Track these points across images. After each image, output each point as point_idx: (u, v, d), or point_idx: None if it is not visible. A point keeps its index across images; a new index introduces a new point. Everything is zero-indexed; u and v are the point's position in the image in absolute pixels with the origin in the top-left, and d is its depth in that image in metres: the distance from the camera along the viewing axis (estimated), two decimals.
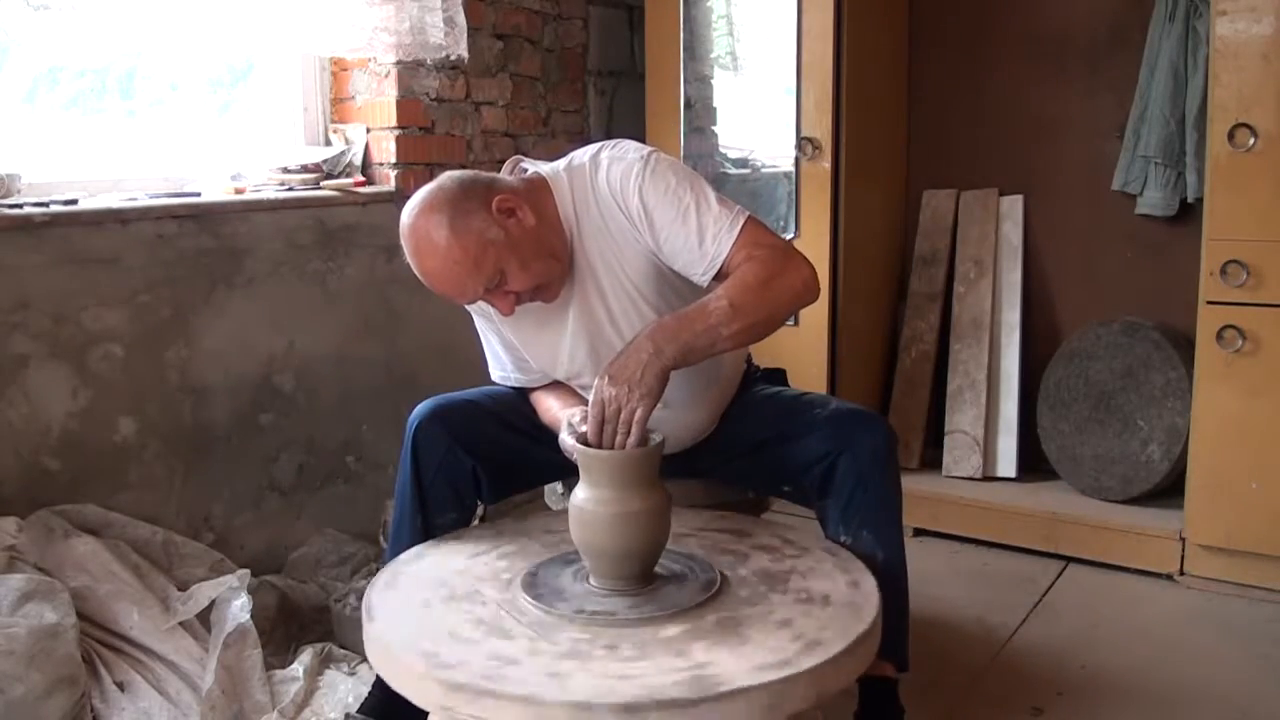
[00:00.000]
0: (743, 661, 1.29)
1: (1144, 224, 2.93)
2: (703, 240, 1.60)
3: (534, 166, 1.77)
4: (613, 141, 1.72)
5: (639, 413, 1.47)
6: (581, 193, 1.69)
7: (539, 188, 1.70)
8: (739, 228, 1.60)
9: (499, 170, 1.78)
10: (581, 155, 1.72)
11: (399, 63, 2.66)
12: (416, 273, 1.62)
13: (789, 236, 2.94)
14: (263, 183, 2.59)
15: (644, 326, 1.57)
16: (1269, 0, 2.33)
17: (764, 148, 3.15)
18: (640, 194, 1.63)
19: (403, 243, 1.62)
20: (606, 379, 1.49)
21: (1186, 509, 2.56)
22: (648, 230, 1.64)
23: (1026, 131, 3.08)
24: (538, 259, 1.64)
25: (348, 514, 2.63)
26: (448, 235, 1.57)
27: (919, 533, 2.91)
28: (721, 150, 3.23)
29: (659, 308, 1.71)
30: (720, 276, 1.61)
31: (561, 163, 1.74)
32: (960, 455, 3.02)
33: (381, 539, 2.45)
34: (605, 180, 1.66)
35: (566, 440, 1.59)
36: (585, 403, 1.80)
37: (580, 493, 1.48)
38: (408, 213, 1.61)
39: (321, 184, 2.65)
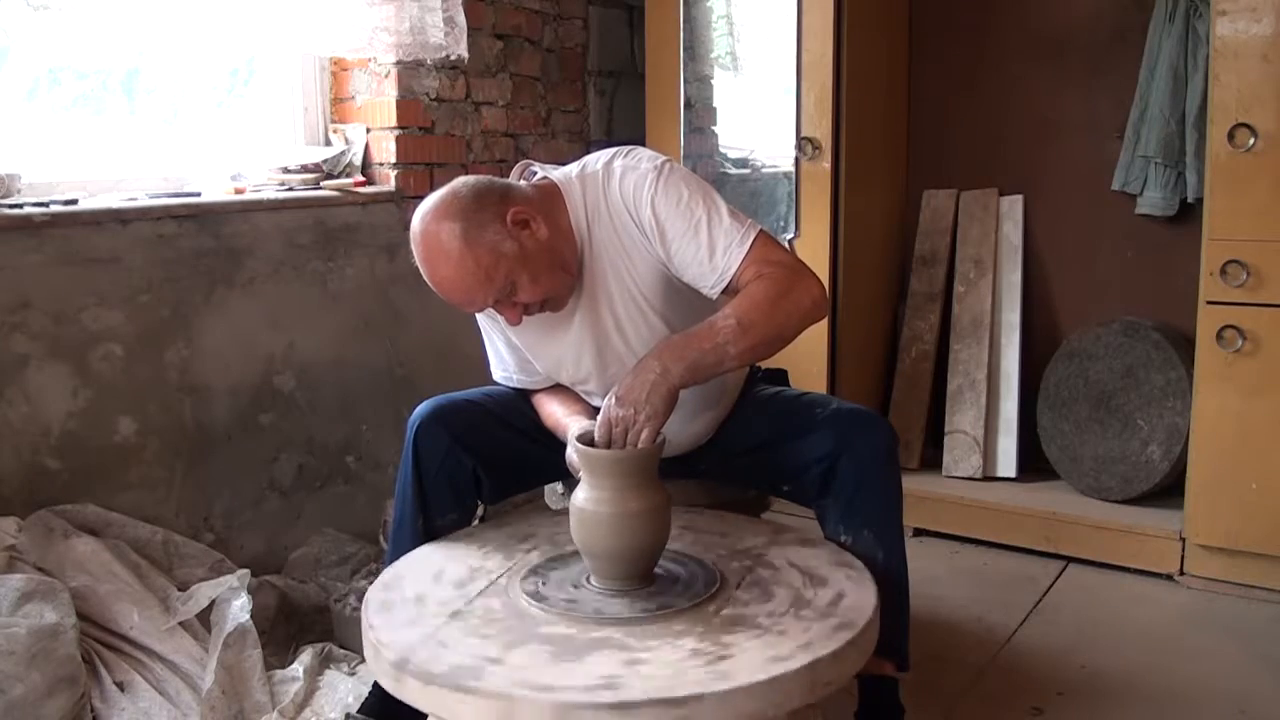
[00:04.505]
0: (742, 660, 1.30)
1: (1144, 224, 2.93)
2: (713, 254, 1.60)
3: (544, 171, 1.76)
4: (626, 148, 1.71)
5: (645, 434, 1.48)
6: (594, 201, 1.68)
7: (551, 195, 1.69)
8: (750, 243, 1.60)
9: (503, 172, 1.78)
10: (594, 162, 1.71)
11: (399, 63, 2.66)
12: (426, 279, 1.62)
13: (789, 237, 2.94)
14: (263, 183, 2.59)
15: (653, 345, 1.58)
16: (1269, 0, 2.33)
17: (764, 148, 3.16)
18: (653, 205, 1.63)
19: (413, 248, 1.61)
20: (614, 399, 1.50)
21: (1186, 509, 2.56)
22: (659, 242, 1.64)
23: (1026, 131, 3.08)
24: (549, 272, 1.64)
25: (348, 514, 2.63)
26: (460, 246, 1.56)
27: (919, 533, 2.91)
28: (721, 150, 3.24)
29: (667, 317, 1.71)
30: (730, 290, 1.61)
31: (574, 169, 1.73)
32: (960, 455, 3.02)
33: (381, 539, 2.45)
34: (618, 190, 1.66)
35: (574, 458, 1.59)
36: (588, 406, 1.81)
37: (580, 493, 1.48)
38: (420, 218, 1.60)
39: (321, 184, 2.65)
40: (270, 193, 2.53)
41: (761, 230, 1.63)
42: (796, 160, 2.93)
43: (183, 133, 2.63)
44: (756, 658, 1.30)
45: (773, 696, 1.25)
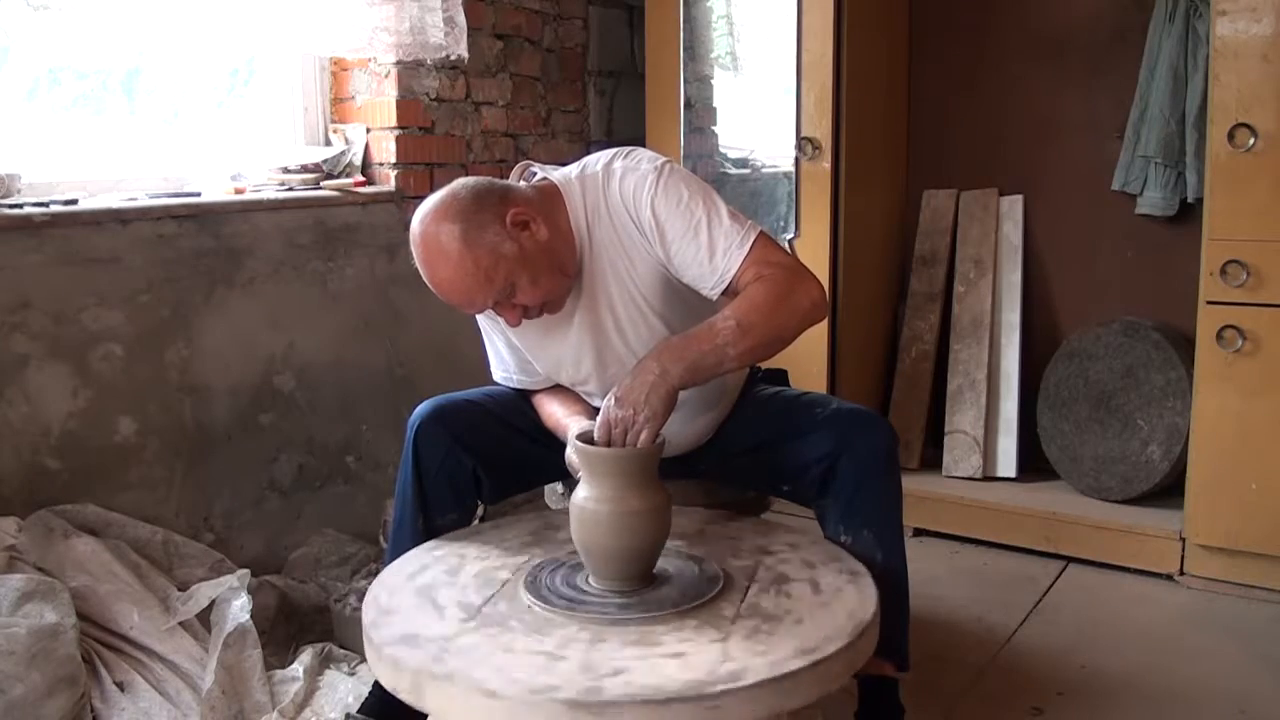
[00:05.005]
0: (742, 660, 1.30)
1: (1144, 224, 2.93)
2: (713, 255, 1.60)
3: (544, 171, 1.76)
4: (626, 149, 1.71)
5: (644, 435, 1.49)
6: (594, 202, 1.68)
7: (551, 196, 1.69)
8: (749, 244, 1.60)
9: (503, 172, 1.78)
10: (594, 163, 1.71)
11: (399, 63, 2.66)
12: (425, 281, 1.62)
13: (789, 237, 2.94)
14: (263, 183, 2.59)
15: (652, 347, 1.58)
16: (1269, 0, 2.33)
17: (764, 148, 3.15)
18: (652, 206, 1.63)
19: (413, 249, 1.61)
20: (614, 400, 1.51)
21: (1186, 509, 2.56)
22: (659, 243, 1.64)
23: (1026, 131, 3.08)
24: (548, 273, 1.64)
25: (348, 514, 2.63)
26: (460, 247, 1.56)
27: (919, 533, 2.91)
28: (721, 150, 3.24)
29: (667, 318, 1.72)
30: (729, 292, 1.61)
31: (574, 169, 1.73)
32: (960, 455, 3.02)
33: (381, 539, 2.45)
34: (618, 191, 1.66)
35: (574, 458, 1.59)
36: (588, 406, 1.81)
37: (580, 492, 1.48)
38: (419, 220, 1.60)
39: (321, 184, 2.65)
40: (270, 193, 2.53)
41: (761, 232, 1.63)
42: (796, 160, 2.93)
43: (183, 133, 2.63)
44: (756, 658, 1.30)
45: (773, 697, 1.25)
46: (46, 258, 2.09)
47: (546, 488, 2.13)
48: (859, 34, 2.90)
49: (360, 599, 1.95)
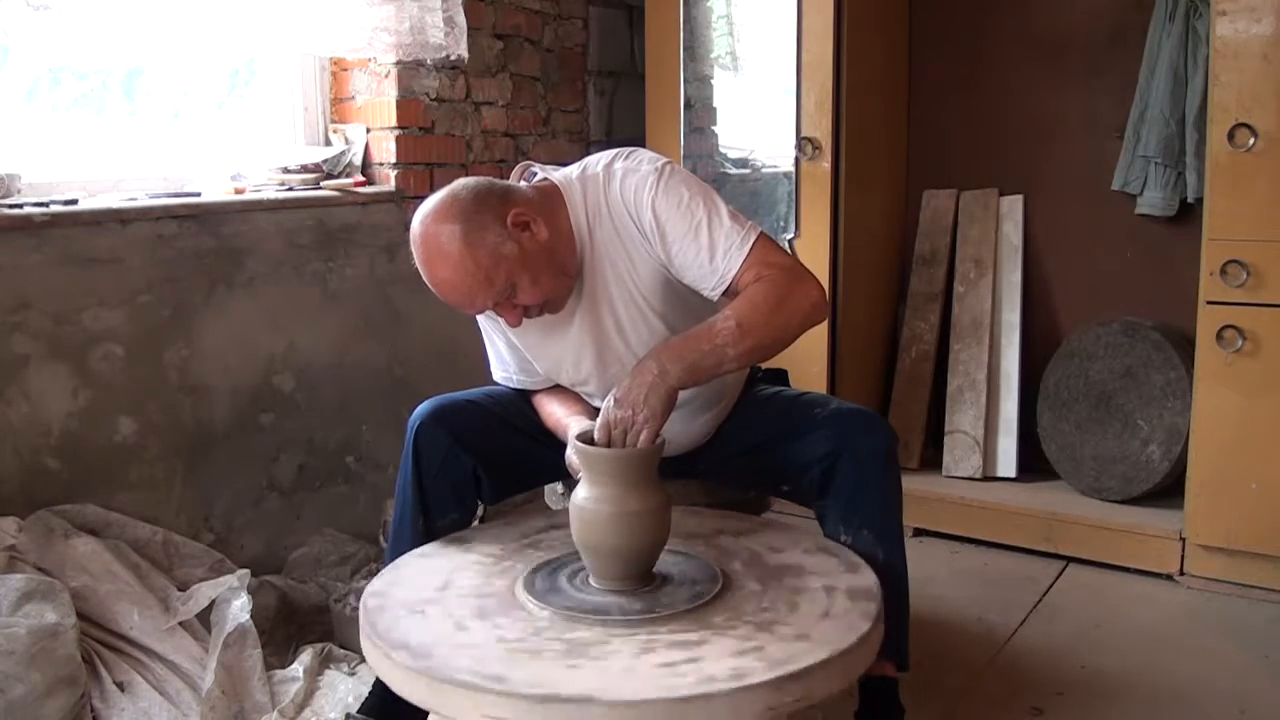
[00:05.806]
0: (742, 660, 1.30)
1: (1144, 224, 2.93)
2: (714, 256, 1.61)
3: (544, 172, 1.76)
4: (626, 150, 1.71)
5: (644, 435, 1.49)
6: (594, 203, 1.69)
7: (551, 197, 1.69)
8: (750, 245, 1.60)
9: (503, 172, 1.78)
10: (595, 164, 1.71)
11: (399, 63, 2.66)
12: (426, 281, 1.62)
13: (789, 237, 2.94)
14: (263, 183, 2.59)
15: (652, 347, 1.58)
16: (1269, 0, 2.33)
17: (764, 148, 3.16)
18: (653, 207, 1.63)
19: (413, 249, 1.61)
20: (613, 401, 1.51)
21: (1186, 509, 2.56)
22: (659, 243, 1.64)
23: (1026, 131, 3.08)
24: (549, 274, 1.64)
25: (348, 514, 2.63)
26: (460, 247, 1.56)
27: (919, 533, 2.91)
28: (721, 150, 3.24)
29: (667, 318, 1.72)
30: (730, 293, 1.62)
31: (574, 170, 1.74)
32: (960, 455, 3.02)
33: (381, 539, 2.45)
34: (619, 191, 1.66)
35: (574, 458, 1.59)
36: (589, 407, 1.81)
37: (580, 492, 1.48)
38: (419, 220, 1.60)
39: (321, 184, 2.65)
40: (270, 193, 2.53)
41: (762, 232, 1.63)
42: (796, 160, 2.93)
43: (183, 133, 2.63)
44: (757, 658, 1.30)
45: (774, 698, 1.25)
46: (46, 258, 2.09)
47: (546, 488, 2.13)
48: (859, 34, 2.90)
49: (360, 599, 1.95)
